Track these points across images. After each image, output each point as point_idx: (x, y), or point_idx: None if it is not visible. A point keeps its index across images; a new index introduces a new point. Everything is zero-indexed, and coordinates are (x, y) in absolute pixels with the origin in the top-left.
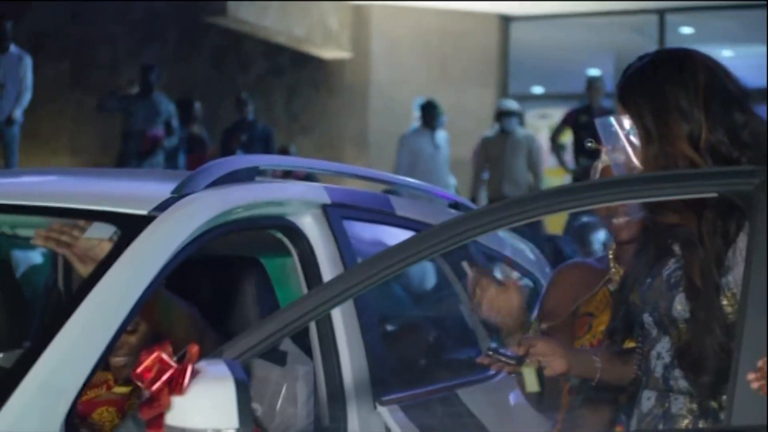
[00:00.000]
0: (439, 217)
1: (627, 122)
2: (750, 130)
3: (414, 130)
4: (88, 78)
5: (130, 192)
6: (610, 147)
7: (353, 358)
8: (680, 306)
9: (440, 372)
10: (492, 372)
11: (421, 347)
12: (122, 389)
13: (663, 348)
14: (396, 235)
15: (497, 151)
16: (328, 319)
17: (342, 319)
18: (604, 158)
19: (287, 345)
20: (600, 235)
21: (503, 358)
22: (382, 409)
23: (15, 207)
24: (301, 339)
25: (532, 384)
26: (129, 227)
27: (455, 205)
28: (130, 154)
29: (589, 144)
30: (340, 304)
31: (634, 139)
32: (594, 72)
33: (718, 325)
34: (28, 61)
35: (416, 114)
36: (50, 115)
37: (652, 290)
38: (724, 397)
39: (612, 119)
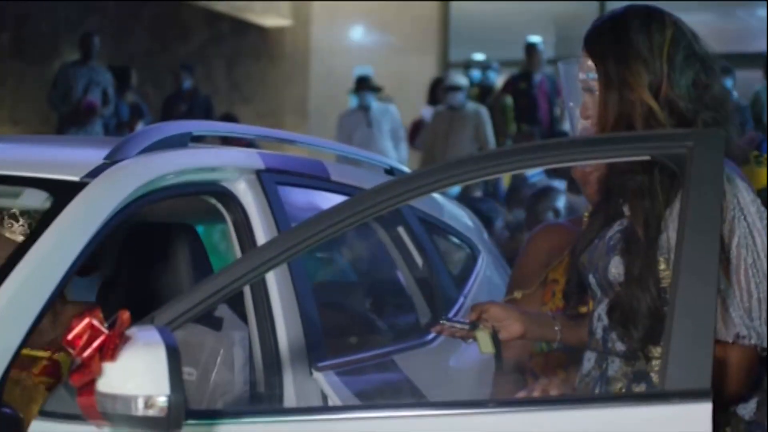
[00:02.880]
0: (374, 182)
1: (590, 67)
2: (712, 94)
3: (348, 111)
4: (29, 49)
5: (63, 158)
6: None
7: (288, 324)
8: (614, 269)
9: (377, 338)
10: (429, 337)
11: (357, 313)
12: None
13: (602, 310)
14: (331, 201)
15: (443, 128)
16: (263, 285)
17: (277, 285)
18: (584, 122)
19: (223, 311)
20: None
21: (457, 325)
22: (318, 375)
23: None
24: (238, 305)
25: (486, 346)
26: (61, 194)
27: (390, 171)
28: (66, 123)
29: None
30: (273, 269)
31: (593, 84)
32: (534, 39)
33: (653, 282)
34: None
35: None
36: None
37: (596, 251)
38: (655, 361)
39: (575, 62)
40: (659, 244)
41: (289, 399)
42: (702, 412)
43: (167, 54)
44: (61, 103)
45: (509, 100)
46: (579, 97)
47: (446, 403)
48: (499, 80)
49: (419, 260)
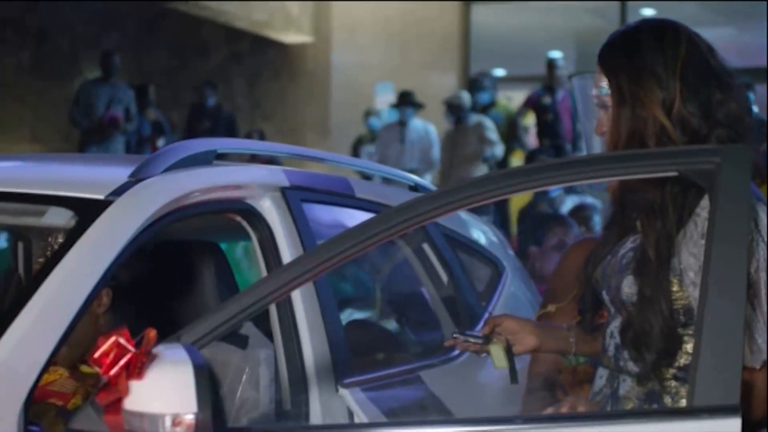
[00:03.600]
0: (399, 198)
1: (603, 83)
2: (727, 111)
3: (387, 125)
4: (49, 66)
5: (87, 177)
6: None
7: (314, 341)
8: (627, 289)
9: (403, 354)
10: (455, 353)
11: (382, 330)
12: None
13: (615, 327)
14: (356, 217)
15: (448, 143)
16: (289, 303)
17: (302, 302)
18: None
19: (248, 329)
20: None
21: (471, 339)
22: (344, 392)
23: None
24: (263, 323)
25: (500, 360)
26: (86, 212)
27: (415, 188)
28: (88, 138)
29: None
30: (299, 287)
31: (606, 100)
32: (555, 54)
33: (665, 303)
34: None
35: (379, 98)
36: (11, 105)
37: (609, 267)
38: (669, 382)
39: (589, 77)
40: (672, 265)
41: (315, 416)
42: (731, 428)
43: (187, 71)
44: (83, 119)
45: (525, 118)
46: (591, 113)
47: (473, 420)
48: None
49: (444, 276)
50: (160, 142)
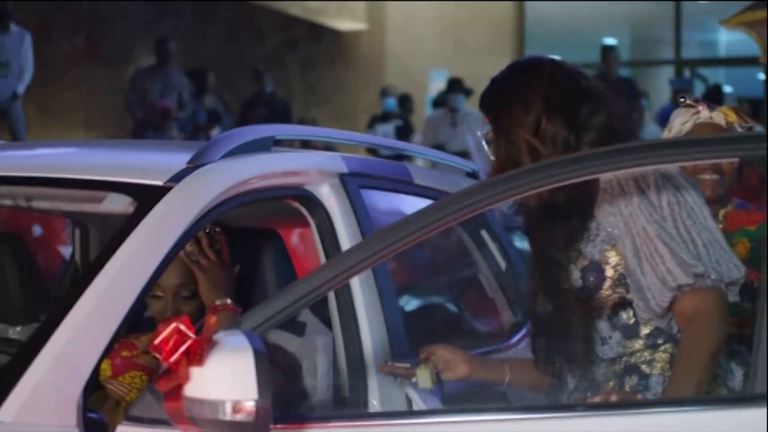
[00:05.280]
0: (457, 185)
1: (485, 123)
2: (598, 120)
3: (436, 111)
4: (103, 52)
5: (146, 163)
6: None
7: (373, 328)
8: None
9: (461, 341)
10: (513, 340)
11: (440, 316)
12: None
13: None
14: (414, 204)
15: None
16: (347, 289)
17: (361, 290)
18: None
19: (306, 316)
20: None
21: (398, 366)
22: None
23: (31, 179)
24: (322, 310)
25: (424, 381)
26: (145, 198)
27: (472, 174)
28: (142, 126)
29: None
30: (357, 274)
31: (490, 137)
32: (609, 41)
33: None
34: (28, 39)
35: (432, 85)
36: (65, 90)
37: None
38: (642, 354)
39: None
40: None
41: (374, 403)
42: None
43: (241, 57)
44: (138, 107)
45: None
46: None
47: (532, 407)
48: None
49: (502, 263)
50: (215, 131)
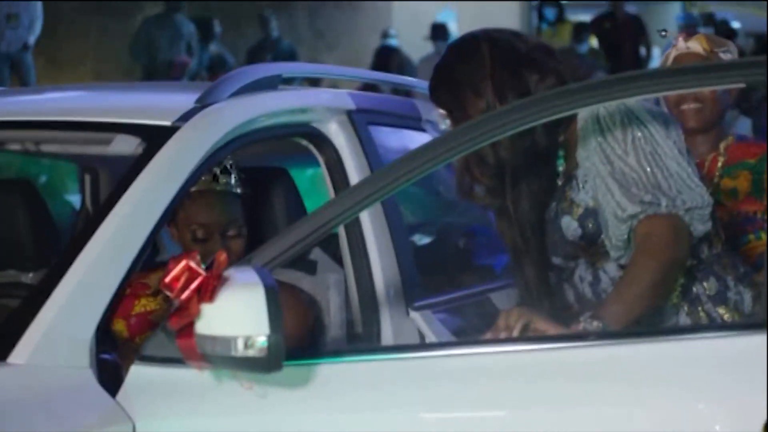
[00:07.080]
0: None
1: (442, 114)
2: (547, 85)
3: (427, 56)
4: (111, 3)
5: (153, 103)
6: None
7: (384, 264)
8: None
9: (472, 277)
10: None
11: (451, 252)
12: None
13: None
14: (422, 141)
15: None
16: (358, 226)
17: (372, 226)
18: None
19: (317, 254)
20: None
21: None
22: (415, 315)
23: (38, 123)
24: (333, 248)
25: None
26: (153, 139)
27: None
28: (150, 77)
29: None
30: (366, 208)
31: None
32: None
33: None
34: None
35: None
36: (74, 41)
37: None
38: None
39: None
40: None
41: (387, 339)
42: None
43: (248, 3)
44: (144, 55)
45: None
46: None
47: (542, 338)
48: None
49: None
50: None
